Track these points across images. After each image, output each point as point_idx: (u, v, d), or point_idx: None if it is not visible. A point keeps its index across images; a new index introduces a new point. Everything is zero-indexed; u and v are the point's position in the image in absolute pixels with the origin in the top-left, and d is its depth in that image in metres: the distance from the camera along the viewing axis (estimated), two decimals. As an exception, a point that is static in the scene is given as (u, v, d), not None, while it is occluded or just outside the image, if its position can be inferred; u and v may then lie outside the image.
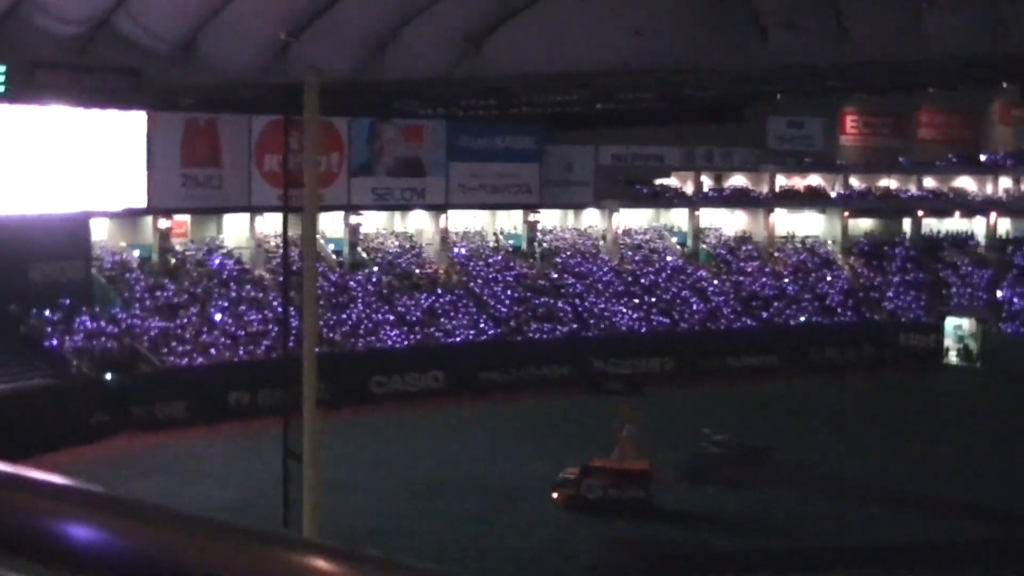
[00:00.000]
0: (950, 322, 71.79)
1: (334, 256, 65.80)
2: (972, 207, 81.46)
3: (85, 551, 1.96)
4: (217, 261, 62.94)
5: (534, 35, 67.26)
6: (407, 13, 64.36)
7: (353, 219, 66.35)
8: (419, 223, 70.16)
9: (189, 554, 1.94)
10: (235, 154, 61.60)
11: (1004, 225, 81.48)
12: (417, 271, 66.85)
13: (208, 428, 49.25)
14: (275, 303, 56.61)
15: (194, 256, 62.93)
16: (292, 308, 34.43)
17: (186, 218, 63.82)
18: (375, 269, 65.69)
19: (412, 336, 61.61)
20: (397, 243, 69.06)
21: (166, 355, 54.88)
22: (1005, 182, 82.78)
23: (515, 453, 47.08)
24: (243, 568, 1.92)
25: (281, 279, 41.92)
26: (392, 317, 62.21)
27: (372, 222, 68.78)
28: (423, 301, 64.04)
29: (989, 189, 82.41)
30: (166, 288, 59.27)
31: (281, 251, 39.60)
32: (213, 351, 56.16)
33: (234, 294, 60.25)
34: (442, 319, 63.41)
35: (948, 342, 71.17)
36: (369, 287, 63.95)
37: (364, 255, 66.75)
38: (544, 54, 67.94)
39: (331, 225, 65.52)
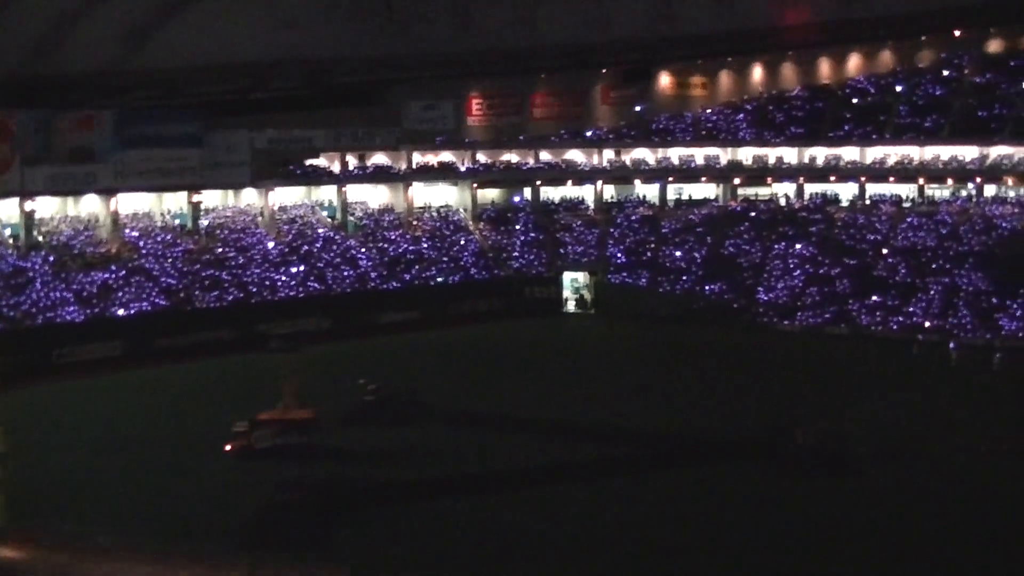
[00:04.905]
0: (567, 276, 74.00)
1: (11, 240, 62.77)
2: (581, 176, 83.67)
3: None
4: None
5: (193, 30, 65.46)
6: (73, 10, 61.78)
7: (28, 205, 63.40)
8: (92, 207, 67.47)
9: None
10: (-90, 146, 58.16)
11: (609, 191, 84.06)
12: (91, 251, 64.47)
13: None
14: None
15: None
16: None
17: None
18: (51, 251, 62.94)
19: (89, 310, 59.43)
20: (71, 226, 66.22)
21: None
22: (608, 154, 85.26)
23: (190, 411, 46.53)
24: None
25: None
26: (70, 295, 59.85)
27: (47, 207, 65.79)
28: (98, 278, 61.86)
29: (595, 160, 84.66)
30: None
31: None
32: None
33: (-85, 278, 56.87)
34: (117, 293, 61.40)
35: (566, 293, 73.35)
36: (46, 267, 61.32)
37: (40, 238, 63.91)
38: (202, 47, 66.19)
39: (6, 211, 63.08)
